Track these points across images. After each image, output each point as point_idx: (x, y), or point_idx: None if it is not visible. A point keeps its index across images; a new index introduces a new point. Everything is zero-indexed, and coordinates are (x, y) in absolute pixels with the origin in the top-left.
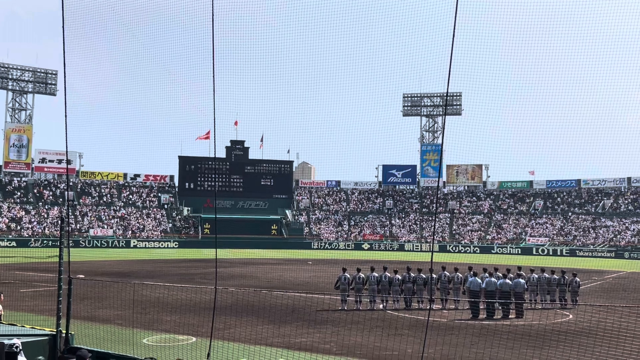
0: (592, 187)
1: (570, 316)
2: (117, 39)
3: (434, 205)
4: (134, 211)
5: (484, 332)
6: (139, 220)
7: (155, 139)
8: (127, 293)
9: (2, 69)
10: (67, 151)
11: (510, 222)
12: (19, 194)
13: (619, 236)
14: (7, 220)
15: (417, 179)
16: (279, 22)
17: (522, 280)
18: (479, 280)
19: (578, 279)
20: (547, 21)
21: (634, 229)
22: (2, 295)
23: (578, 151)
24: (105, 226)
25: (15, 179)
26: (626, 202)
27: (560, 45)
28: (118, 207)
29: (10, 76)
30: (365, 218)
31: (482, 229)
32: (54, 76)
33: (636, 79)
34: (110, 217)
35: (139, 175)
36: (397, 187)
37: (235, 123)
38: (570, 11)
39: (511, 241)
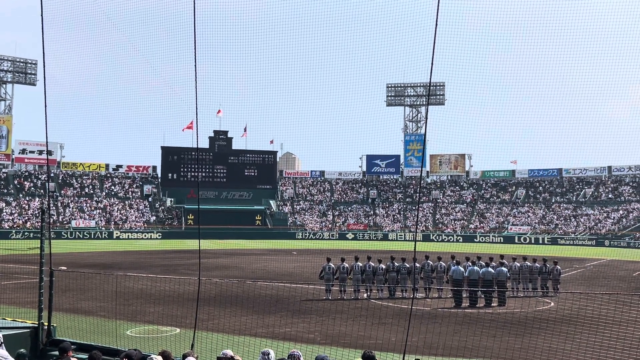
0: (573, 176)
1: (552, 304)
2: (97, 29)
3: (418, 194)
4: (117, 202)
5: (466, 320)
6: (122, 212)
7: (137, 130)
8: (110, 285)
9: None
10: (47, 142)
11: (493, 211)
12: None
13: (599, 224)
14: None
15: (401, 169)
16: (262, 12)
17: (504, 269)
18: (462, 269)
19: (559, 267)
20: (528, 12)
21: (614, 217)
22: None
23: (560, 141)
24: (88, 217)
25: None
26: (606, 190)
27: (542, 36)
28: (100, 198)
29: None
30: (350, 208)
31: (465, 218)
32: (33, 66)
33: (617, 70)
34: (93, 208)
35: (121, 166)
36: (381, 177)
37: (219, 112)
38: (551, 3)
39: (494, 230)
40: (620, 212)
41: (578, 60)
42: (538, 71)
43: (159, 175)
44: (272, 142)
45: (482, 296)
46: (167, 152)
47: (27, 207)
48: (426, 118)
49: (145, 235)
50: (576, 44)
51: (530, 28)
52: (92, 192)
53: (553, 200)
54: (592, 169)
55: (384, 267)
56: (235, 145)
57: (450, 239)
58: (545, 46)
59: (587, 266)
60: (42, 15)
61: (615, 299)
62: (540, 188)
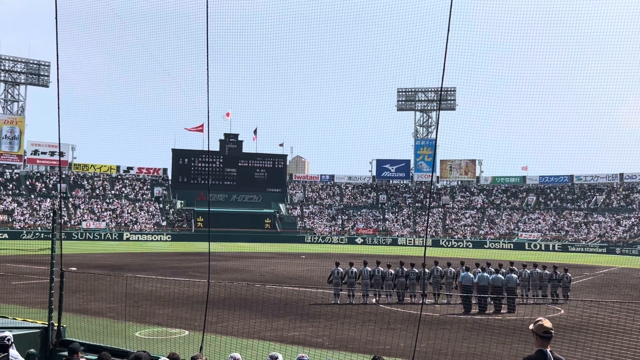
0: (584, 183)
1: (562, 311)
2: (110, 31)
3: (427, 199)
4: (127, 204)
5: (476, 327)
6: (132, 213)
7: (148, 132)
8: (119, 286)
9: None
10: (59, 143)
11: (503, 217)
12: (11, 185)
13: (610, 232)
14: None
15: (411, 174)
16: (274, 16)
17: (514, 276)
18: (471, 275)
19: (569, 275)
20: (541, 18)
21: (625, 225)
22: None
23: (571, 147)
24: (98, 219)
25: (7, 170)
26: (618, 198)
27: (554, 41)
28: (111, 200)
29: (2, 67)
30: (359, 212)
31: (475, 223)
32: (46, 68)
33: (629, 76)
34: (103, 209)
35: (132, 168)
36: (391, 181)
37: (227, 114)
38: (564, 8)
39: (504, 236)
40: (632, 219)
41: (590, 67)
42: (550, 77)
43: (170, 178)
44: (281, 145)
45: (492, 302)
46: (177, 154)
47: (38, 207)
48: (437, 123)
49: (155, 237)
50: (589, 50)
51: (542, 34)
52: (102, 193)
53: (564, 207)
54: (603, 175)
55: (392, 272)
56: (246, 149)
57: (460, 244)
58: (557, 52)
59: (598, 274)
60: (56, 17)
61: (627, 307)
62: (551, 195)
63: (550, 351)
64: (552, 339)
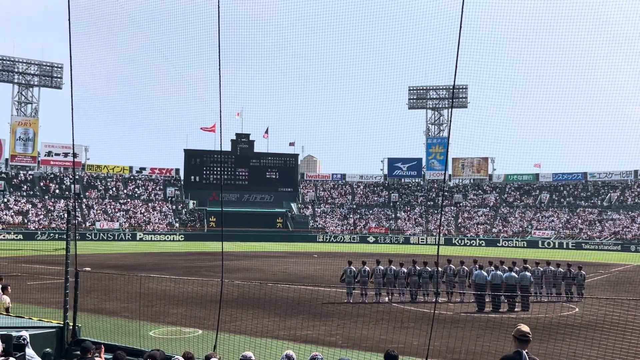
0: (598, 180)
1: (577, 309)
2: (123, 32)
3: (440, 198)
4: (140, 204)
5: (489, 325)
6: (145, 214)
7: (161, 133)
8: (133, 286)
9: (8, 62)
10: (73, 144)
11: (516, 215)
12: (25, 187)
13: (625, 229)
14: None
15: (423, 172)
16: (286, 14)
17: (528, 274)
18: (485, 274)
19: (584, 272)
20: (554, 13)
21: None
22: (9, 288)
23: (585, 144)
24: (112, 219)
25: (21, 172)
26: (633, 195)
27: (567, 37)
28: (124, 201)
29: (16, 69)
30: (371, 211)
31: (488, 222)
32: (59, 69)
33: None
34: (116, 210)
35: (144, 169)
36: (403, 180)
37: (238, 114)
38: (578, 3)
39: (517, 234)
40: None
41: (605, 62)
42: (563, 73)
43: (182, 178)
44: (292, 144)
45: (505, 301)
46: (189, 155)
47: (52, 208)
48: (449, 121)
49: (168, 237)
50: (603, 45)
51: (555, 30)
52: (116, 194)
53: (578, 205)
54: (617, 172)
55: (405, 270)
56: (257, 148)
57: (473, 243)
58: (570, 48)
59: (612, 271)
60: (69, 20)
61: None
62: (565, 192)
63: (526, 352)
64: (529, 343)
